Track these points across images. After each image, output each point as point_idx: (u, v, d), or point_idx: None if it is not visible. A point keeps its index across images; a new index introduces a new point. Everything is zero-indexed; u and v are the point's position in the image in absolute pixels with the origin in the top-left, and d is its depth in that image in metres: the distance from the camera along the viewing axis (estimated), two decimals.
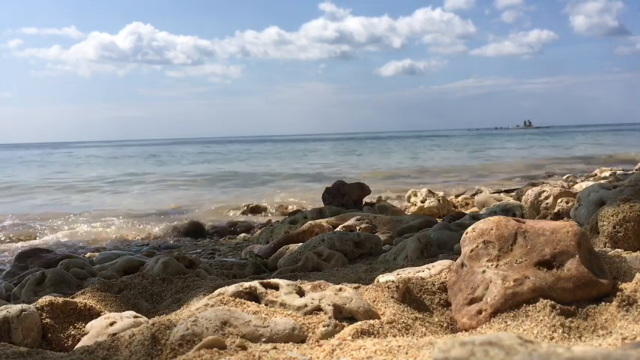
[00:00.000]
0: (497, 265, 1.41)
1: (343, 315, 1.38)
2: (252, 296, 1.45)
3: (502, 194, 5.86)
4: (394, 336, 1.30)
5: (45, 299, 1.68)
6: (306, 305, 1.38)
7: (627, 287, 1.37)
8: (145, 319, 1.59)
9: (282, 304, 1.40)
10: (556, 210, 3.56)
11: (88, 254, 4.08)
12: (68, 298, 1.74)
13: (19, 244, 5.03)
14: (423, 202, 5.14)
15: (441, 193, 5.43)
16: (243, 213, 6.60)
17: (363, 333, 1.28)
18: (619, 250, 1.83)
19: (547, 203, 3.74)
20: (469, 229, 1.54)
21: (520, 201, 4.13)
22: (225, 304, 1.38)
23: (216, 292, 1.50)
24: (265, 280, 1.52)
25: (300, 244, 3.05)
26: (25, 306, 1.61)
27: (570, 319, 1.28)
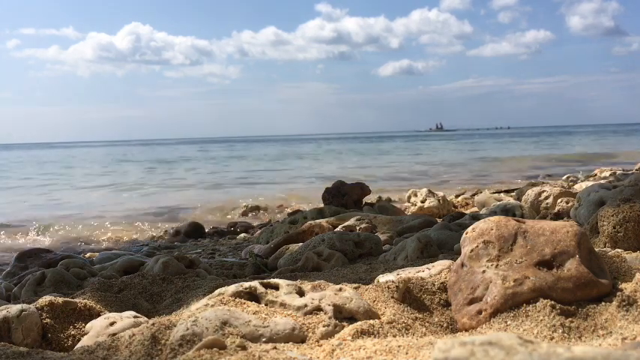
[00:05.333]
0: (498, 265, 1.41)
1: (343, 315, 1.38)
2: (252, 296, 1.45)
3: (502, 194, 5.86)
4: (394, 336, 1.30)
5: (45, 299, 1.68)
6: (306, 305, 1.38)
7: (627, 287, 1.37)
8: (145, 319, 1.59)
9: (282, 304, 1.40)
10: (556, 210, 3.56)
11: (88, 254, 4.08)
12: (68, 298, 1.74)
13: (21, 241, 5.03)
14: (423, 202, 5.13)
15: (441, 193, 5.42)
16: (243, 213, 6.59)
17: (363, 333, 1.28)
18: (619, 250, 1.83)
19: (547, 203, 3.74)
20: (469, 229, 1.54)
21: (520, 201, 4.13)
22: (225, 304, 1.38)
23: (216, 292, 1.50)
24: (265, 280, 1.52)
25: (300, 244, 3.05)
26: (25, 306, 1.61)
27: (570, 319, 1.28)
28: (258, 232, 4.51)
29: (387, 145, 35.99)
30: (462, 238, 1.55)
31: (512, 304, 1.33)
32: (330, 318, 1.35)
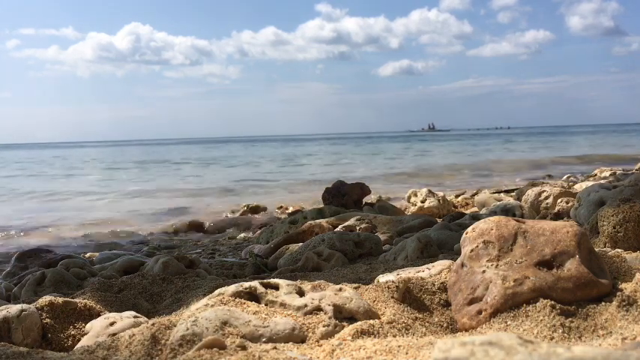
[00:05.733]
0: (498, 265, 1.41)
1: (343, 315, 1.38)
2: (252, 296, 1.45)
3: (502, 194, 5.86)
4: (394, 336, 1.30)
5: (45, 299, 1.68)
6: (306, 305, 1.38)
7: (627, 287, 1.37)
8: (145, 319, 1.59)
9: (282, 304, 1.40)
10: (556, 210, 3.56)
11: (88, 254, 4.07)
12: (68, 298, 1.74)
13: (23, 241, 5.03)
14: (423, 202, 5.14)
15: (441, 193, 5.43)
16: (243, 213, 6.59)
17: (363, 333, 1.28)
18: (619, 250, 1.83)
19: (547, 203, 3.74)
20: (469, 229, 1.54)
21: (520, 201, 4.13)
22: (225, 304, 1.38)
23: (216, 292, 1.50)
24: (265, 280, 1.52)
25: (300, 244, 3.05)
26: (25, 306, 1.61)
27: (570, 319, 1.28)
28: (258, 232, 4.51)
29: (384, 145, 36.16)
30: (462, 238, 1.55)
31: (512, 304, 1.33)
32: (330, 318, 1.35)
